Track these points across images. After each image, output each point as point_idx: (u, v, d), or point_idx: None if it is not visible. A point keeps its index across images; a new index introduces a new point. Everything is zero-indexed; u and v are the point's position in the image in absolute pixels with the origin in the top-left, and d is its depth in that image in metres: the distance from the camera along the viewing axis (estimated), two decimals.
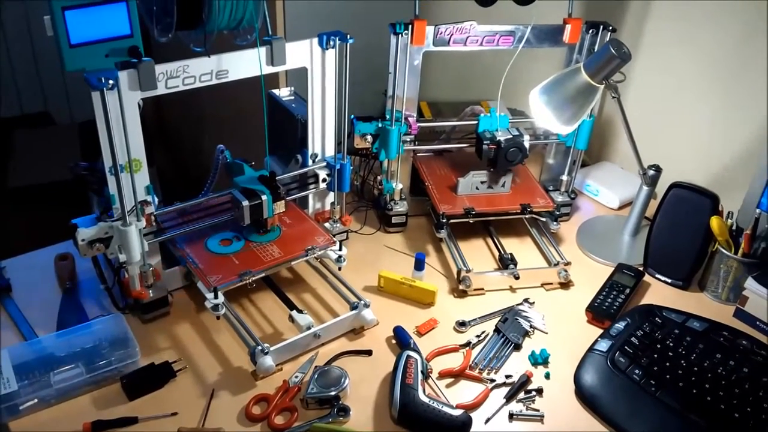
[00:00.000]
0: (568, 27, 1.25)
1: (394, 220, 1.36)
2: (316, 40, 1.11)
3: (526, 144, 1.29)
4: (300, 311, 1.09)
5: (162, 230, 1.09)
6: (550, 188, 1.44)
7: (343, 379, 1.00)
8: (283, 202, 1.12)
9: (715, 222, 1.19)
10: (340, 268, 1.15)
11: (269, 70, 1.07)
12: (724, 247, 1.20)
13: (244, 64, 1.04)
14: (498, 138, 1.29)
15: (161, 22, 0.99)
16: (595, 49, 1.25)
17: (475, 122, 1.34)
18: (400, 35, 1.19)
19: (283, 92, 1.28)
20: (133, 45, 0.97)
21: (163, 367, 1.02)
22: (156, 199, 1.07)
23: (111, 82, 0.92)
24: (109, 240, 1.03)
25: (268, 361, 1.00)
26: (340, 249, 1.14)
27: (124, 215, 1.01)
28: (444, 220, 1.27)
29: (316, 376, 1.00)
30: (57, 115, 2.78)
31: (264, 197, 1.09)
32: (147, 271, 1.07)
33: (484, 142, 1.29)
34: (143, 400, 0.98)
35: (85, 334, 1.05)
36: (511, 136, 1.29)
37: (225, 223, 1.17)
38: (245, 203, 1.07)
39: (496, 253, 1.31)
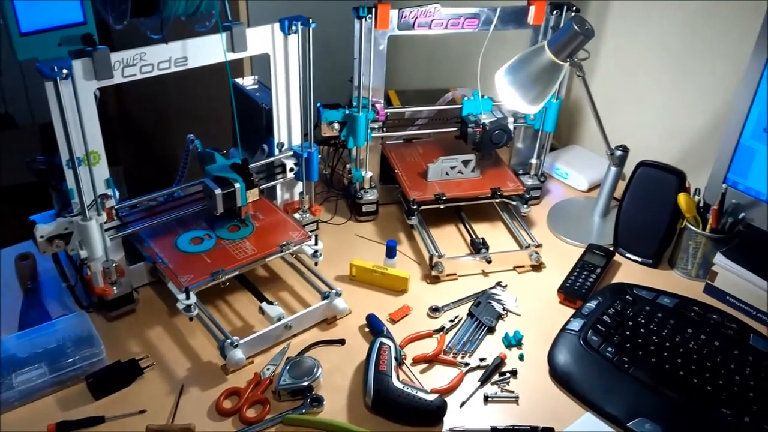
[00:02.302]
0: (533, 8, 1.25)
1: (364, 208, 1.35)
2: (277, 26, 1.09)
3: (511, 126, 1.29)
4: (270, 303, 1.07)
5: (125, 224, 1.06)
6: (520, 172, 1.43)
7: (315, 369, 0.98)
8: (256, 190, 1.09)
9: (682, 199, 1.19)
10: (316, 264, 1.13)
11: (230, 56, 1.05)
12: (692, 224, 1.21)
13: (203, 50, 1.02)
14: (483, 121, 1.28)
15: (116, 9, 0.97)
16: None
17: (453, 108, 1.34)
18: (363, 19, 1.17)
19: (247, 81, 1.26)
20: (87, 32, 0.95)
21: (130, 364, 0.99)
22: (117, 193, 1.04)
23: (65, 71, 0.89)
24: (69, 236, 1.00)
25: (238, 354, 0.98)
26: (316, 243, 1.12)
27: (84, 210, 0.98)
28: (414, 207, 1.26)
29: (288, 368, 0.99)
30: (18, 117, 2.72)
31: (237, 185, 1.07)
32: (110, 267, 1.04)
33: (469, 125, 1.29)
34: (110, 398, 0.96)
35: (48, 334, 1.02)
36: (495, 119, 1.29)
37: (196, 221, 1.15)
38: (218, 191, 1.05)
39: (468, 238, 1.30)
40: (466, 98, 1.33)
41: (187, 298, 0.98)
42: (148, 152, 2.28)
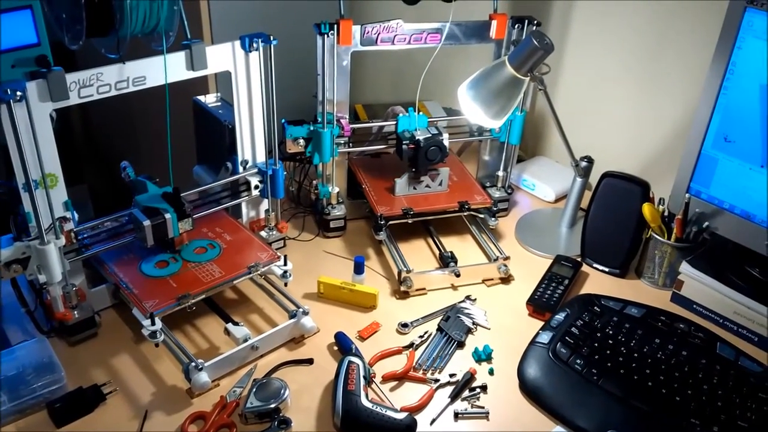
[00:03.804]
0: (494, 23, 1.25)
1: (332, 224, 1.34)
2: (238, 43, 1.08)
3: (446, 142, 1.28)
4: (236, 323, 1.05)
5: (85, 247, 1.04)
6: (487, 185, 1.44)
7: (282, 391, 0.97)
8: (190, 219, 1.06)
9: (647, 209, 1.20)
10: (286, 284, 1.12)
11: (190, 75, 1.04)
12: (658, 233, 1.22)
13: (162, 69, 1.00)
14: (417, 137, 1.27)
15: (71, 29, 0.95)
16: None
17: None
18: (326, 35, 1.17)
19: (209, 98, 1.24)
20: (41, 54, 0.93)
21: (92, 390, 0.97)
22: (76, 215, 1.02)
23: (19, 93, 0.87)
24: (27, 260, 0.97)
25: (204, 377, 0.96)
26: (285, 264, 1.11)
27: (41, 233, 0.95)
28: (382, 222, 1.26)
29: (254, 390, 0.97)
30: None
31: (167, 215, 1.04)
32: (70, 291, 1.02)
33: (404, 142, 1.28)
34: (72, 426, 0.93)
35: (8, 361, 0.99)
36: (430, 135, 1.28)
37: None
38: (146, 223, 1.02)
39: (437, 252, 1.30)
40: (401, 114, 1.32)
41: (152, 324, 0.96)
42: (114, 170, 2.25)
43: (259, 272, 1.10)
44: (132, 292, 1.04)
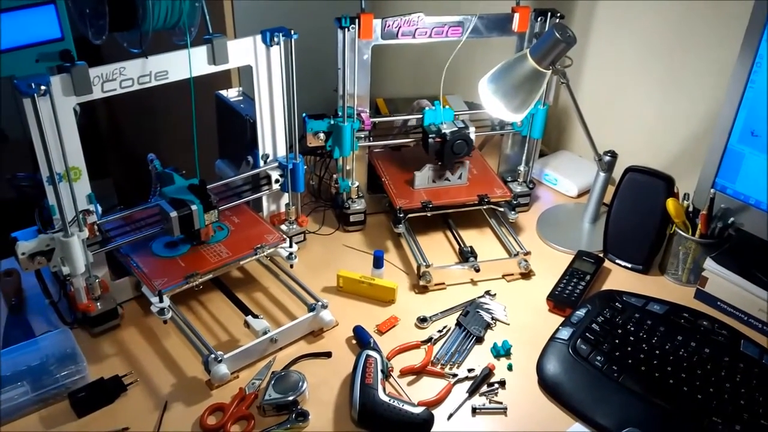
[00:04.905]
0: (517, 15, 1.24)
1: (352, 218, 1.34)
2: (259, 37, 1.09)
3: (472, 136, 1.28)
4: (256, 316, 1.06)
5: (108, 240, 1.05)
6: (509, 179, 1.43)
7: (301, 384, 0.97)
8: (215, 211, 1.08)
9: (671, 204, 1.19)
10: (291, 266, 1.13)
11: (212, 69, 1.05)
12: (682, 229, 1.20)
13: (184, 64, 1.01)
14: (443, 131, 1.27)
15: (94, 24, 0.96)
16: None
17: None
18: (346, 29, 1.17)
19: (231, 93, 1.25)
20: (65, 48, 0.94)
21: (113, 381, 0.98)
22: (99, 208, 1.03)
23: (43, 88, 0.88)
24: (51, 252, 0.99)
25: (223, 369, 0.97)
26: (291, 246, 1.12)
27: (65, 226, 0.97)
28: (401, 215, 1.26)
29: (273, 382, 0.98)
30: (10, 131, 2.71)
31: (194, 207, 1.05)
32: (93, 283, 1.03)
33: (430, 135, 1.28)
34: (93, 416, 0.95)
35: (31, 351, 1.01)
36: (456, 129, 1.27)
37: None
38: (173, 214, 1.03)
39: (456, 247, 1.29)
40: (428, 108, 1.31)
41: (161, 301, 0.99)
42: (138, 164, 2.28)
43: (265, 254, 1.12)
44: (142, 271, 1.06)
